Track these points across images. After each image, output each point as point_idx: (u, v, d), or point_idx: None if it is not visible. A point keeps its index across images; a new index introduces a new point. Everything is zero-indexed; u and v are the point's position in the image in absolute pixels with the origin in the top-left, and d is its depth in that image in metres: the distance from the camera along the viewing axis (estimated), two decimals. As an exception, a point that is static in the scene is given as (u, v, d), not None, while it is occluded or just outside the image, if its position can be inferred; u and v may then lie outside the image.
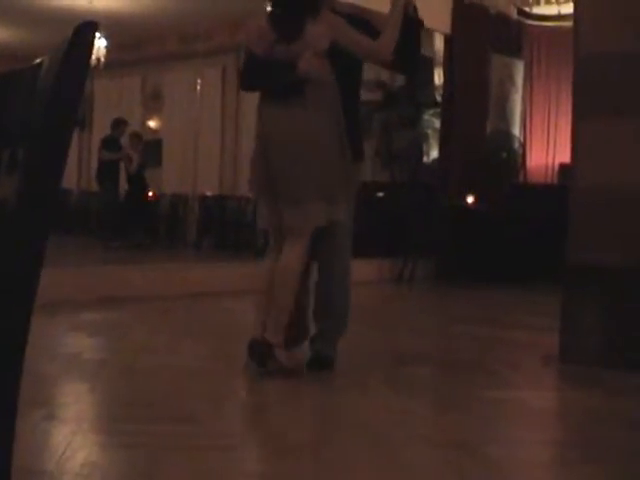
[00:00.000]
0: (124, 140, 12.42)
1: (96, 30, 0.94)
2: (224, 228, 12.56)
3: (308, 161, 3.91)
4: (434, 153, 11.56)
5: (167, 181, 14.87)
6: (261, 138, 4.06)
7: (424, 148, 11.87)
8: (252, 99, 4.54)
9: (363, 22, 4.14)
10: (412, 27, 4.18)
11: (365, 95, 12.69)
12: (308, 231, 3.99)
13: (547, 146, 11.75)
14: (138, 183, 12.37)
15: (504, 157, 10.91)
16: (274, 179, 3.99)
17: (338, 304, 4.24)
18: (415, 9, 4.21)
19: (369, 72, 11.58)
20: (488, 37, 10.45)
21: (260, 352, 3.95)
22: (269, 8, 4.09)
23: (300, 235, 3.99)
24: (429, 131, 11.79)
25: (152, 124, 16.64)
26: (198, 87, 13.26)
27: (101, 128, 14.31)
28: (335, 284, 4.22)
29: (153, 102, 16.46)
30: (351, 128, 4.17)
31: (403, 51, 4.15)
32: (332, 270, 4.21)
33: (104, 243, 11.51)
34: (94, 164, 13.24)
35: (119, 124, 12.36)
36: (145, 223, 12.59)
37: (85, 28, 0.93)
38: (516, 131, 11.38)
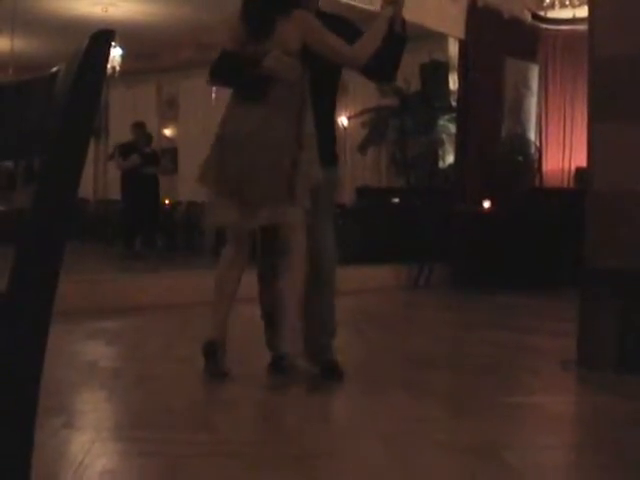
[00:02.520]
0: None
1: (112, 39, 0.94)
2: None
3: (258, 162, 3.81)
4: (449, 158, 11.55)
5: (183, 189, 14.91)
6: (219, 135, 3.98)
7: (439, 153, 11.87)
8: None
9: (355, 29, 4.05)
10: (397, 42, 4.09)
11: (380, 101, 12.77)
12: (298, 237, 3.91)
13: (563, 150, 11.71)
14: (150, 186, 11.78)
15: (520, 161, 10.87)
16: (230, 179, 3.90)
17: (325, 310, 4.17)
18: (403, 25, 4.09)
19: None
20: (502, 41, 10.42)
21: (208, 353, 3.92)
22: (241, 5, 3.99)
23: (294, 244, 3.90)
24: (444, 136, 11.79)
25: (168, 132, 16.71)
26: (213, 95, 13.27)
27: (117, 137, 14.38)
28: (323, 294, 4.11)
29: (168, 110, 16.54)
30: (327, 132, 4.11)
31: (384, 62, 4.10)
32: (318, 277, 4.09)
33: (124, 251, 11.44)
34: (111, 173, 13.22)
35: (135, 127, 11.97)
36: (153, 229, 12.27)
37: (101, 37, 0.93)
38: (532, 135, 11.34)
